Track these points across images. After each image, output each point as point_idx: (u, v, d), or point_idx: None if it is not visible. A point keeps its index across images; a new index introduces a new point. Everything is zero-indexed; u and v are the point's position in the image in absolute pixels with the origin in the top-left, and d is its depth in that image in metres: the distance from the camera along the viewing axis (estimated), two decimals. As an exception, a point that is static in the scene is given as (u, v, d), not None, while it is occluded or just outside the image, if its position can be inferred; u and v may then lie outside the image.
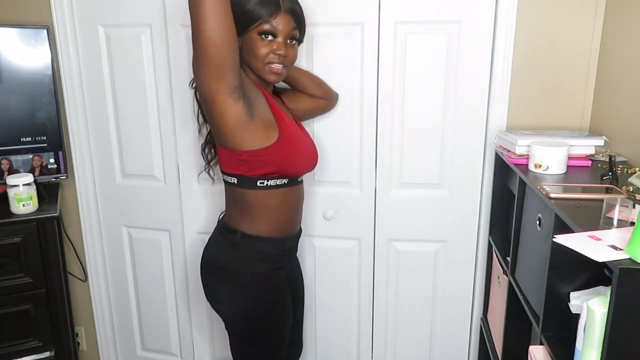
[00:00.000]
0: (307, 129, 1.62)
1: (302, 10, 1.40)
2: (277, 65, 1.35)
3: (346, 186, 1.90)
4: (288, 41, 1.36)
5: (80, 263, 2.19)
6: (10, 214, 1.78)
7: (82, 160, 2.07)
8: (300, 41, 1.42)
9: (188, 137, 1.94)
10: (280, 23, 1.33)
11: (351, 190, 1.91)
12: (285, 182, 1.39)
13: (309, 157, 1.45)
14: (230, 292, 1.44)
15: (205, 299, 2.11)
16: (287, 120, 1.39)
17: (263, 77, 1.37)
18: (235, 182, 1.37)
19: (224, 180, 1.42)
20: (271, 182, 1.36)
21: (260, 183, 1.36)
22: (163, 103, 1.93)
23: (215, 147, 1.50)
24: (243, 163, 1.33)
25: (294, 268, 1.66)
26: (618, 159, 1.45)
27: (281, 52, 1.33)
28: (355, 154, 1.86)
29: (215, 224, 1.98)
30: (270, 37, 1.33)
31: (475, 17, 1.71)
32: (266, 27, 1.31)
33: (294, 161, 1.38)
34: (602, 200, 1.04)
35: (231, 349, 1.54)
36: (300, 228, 1.57)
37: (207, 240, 2.03)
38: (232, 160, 1.35)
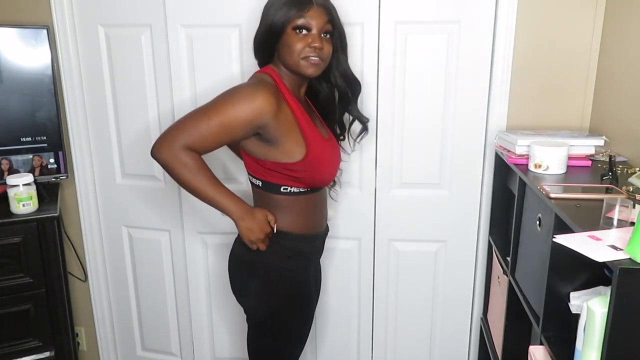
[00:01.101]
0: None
1: (334, 7, 1.42)
2: (313, 57, 1.35)
3: (346, 186, 1.90)
4: (322, 35, 1.37)
5: (80, 263, 2.19)
6: (10, 214, 1.78)
7: (82, 160, 2.07)
8: (333, 36, 1.42)
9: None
10: (313, 17, 1.34)
11: (351, 190, 1.91)
12: (308, 189, 1.42)
13: (332, 172, 1.49)
14: (260, 287, 1.44)
15: (205, 298, 2.12)
16: (315, 136, 1.40)
17: (300, 72, 1.37)
18: (260, 185, 1.41)
19: (250, 180, 1.46)
20: (294, 190, 1.40)
21: (284, 189, 1.39)
22: (163, 103, 1.93)
23: None
24: (268, 171, 1.38)
25: (317, 269, 1.68)
26: (618, 159, 1.45)
27: (316, 44, 1.34)
28: (355, 154, 1.86)
29: (215, 224, 1.99)
30: (304, 32, 1.34)
31: (475, 17, 1.71)
32: (300, 21, 1.33)
33: (318, 176, 1.42)
34: (602, 200, 1.04)
35: (248, 341, 1.54)
36: (328, 226, 1.59)
37: (208, 240, 2.05)
38: (256, 167, 1.39)
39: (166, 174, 1.98)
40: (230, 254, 1.52)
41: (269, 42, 1.38)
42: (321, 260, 1.99)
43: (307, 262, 1.50)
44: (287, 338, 1.50)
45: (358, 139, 1.66)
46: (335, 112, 1.56)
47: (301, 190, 1.40)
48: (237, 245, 1.49)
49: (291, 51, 1.34)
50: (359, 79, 1.77)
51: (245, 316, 1.52)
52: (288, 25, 1.33)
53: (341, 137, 1.62)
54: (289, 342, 1.51)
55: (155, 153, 1.31)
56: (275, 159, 1.35)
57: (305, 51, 1.34)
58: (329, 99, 1.55)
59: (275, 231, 1.40)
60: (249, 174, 1.45)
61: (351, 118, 1.60)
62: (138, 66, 1.92)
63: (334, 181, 1.65)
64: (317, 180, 1.43)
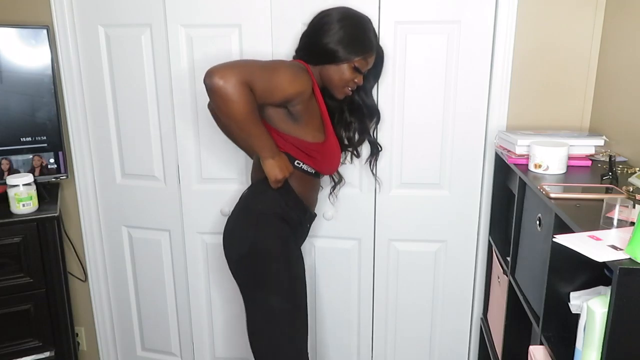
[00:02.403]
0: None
1: (382, 50, 1.66)
2: (349, 90, 1.57)
3: (346, 186, 1.90)
4: None
5: (80, 263, 2.19)
6: (10, 214, 1.78)
7: (82, 160, 2.07)
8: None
9: (188, 137, 1.94)
10: (369, 63, 1.56)
11: (351, 190, 1.91)
12: (314, 172, 1.57)
13: (337, 165, 1.68)
14: (252, 227, 1.51)
15: (206, 298, 2.12)
16: (331, 129, 1.57)
17: (333, 93, 1.57)
18: None
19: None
20: (305, 167, 1.54)
21: (297, 164, 1.53)
22: (163, 103, 1.93)
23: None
24: (288, 144, 1.51)
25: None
26: (618, 159, 1.45)
27: (360, 82, 1.57)
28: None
29: (215, 224, 1.99)
30: (358, 72, 1.53)
31: (475, 17, 1.71)
32: (360, 64, 1.52)
33: (327, 163, 1.60)
34: (602, 200, 1.04)
35: (252, 327, 1.52)
36: (315, 214, 1.70)
37: (208, 240, 2.05)
38: (278, 139, 1.50)
39: (166, 174, 2.00)
40: (225, 228, 1.59)
41: (321, 59, 1.52)
42: (320, 260, 2.00)
43: (296, 228, 1.59)
44: (285, 294, 1.49)
45: (371, 167, 1.83)
46: (342, 123, 1.71)
47: (309, 170, 1.55)
48: (237, 205, 1.60)
49: (339, 80, 1.52)
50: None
51: (244, 312, 1.52)
52: (349, 62, 1.50)
53: (354, 153, 1.80)
54: (288, 299, 1.49)
55: (211, 79, 1.30)
56: (298, 135, 1.50)
57: (349, 84, 1.54)
58: (339, 109, 1.69)
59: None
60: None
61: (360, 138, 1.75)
62: (138, 66, 1.92)
63: (340, 178, 1.83)
64: (326, 166, 1.60)
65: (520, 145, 1.47)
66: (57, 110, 1.91)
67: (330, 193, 1.87)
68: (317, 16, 1.55)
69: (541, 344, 1.21)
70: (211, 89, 1.31)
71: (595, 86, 1.73)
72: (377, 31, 1.74)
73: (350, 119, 1.70)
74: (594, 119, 1.75)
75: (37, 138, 1.90)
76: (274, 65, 1.45)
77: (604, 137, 1.51)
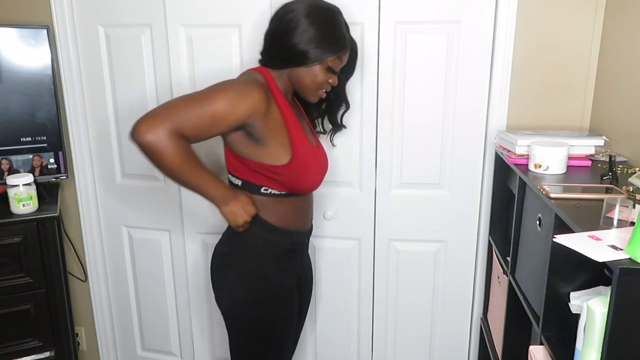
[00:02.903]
0: (307, 129, 1.62)
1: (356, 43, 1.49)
2: (324, 92, 1.42)
3: (346, 186, 1.90)
4: None
5: (80, 263, 2.19)
6: (10, 214, 1.78)
7: (82, 160, 2.07)
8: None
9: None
10: (343, 60, 1.40)
11: (351, 190, 1.91)
12: (288, 193, 1.39)
13: (317, 179, 1.45)
14: (234, 280, 1.40)
15: (205, 298, 2.12)
16: (303, 141, 1.37)
17: (306, 97, 1.43)
18: (239, 185, 1.38)
19: (229, 179, 1.42)
20: (274, 192, 1.37)
21: (264, 190, 1.36)
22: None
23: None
24: (250, 171, 1.35)
25: (304, 269, 1.61)
26: (618, 159, 1.45)
27: (335, 83, 1.41)
28: (355, 154, 1.86)
29: (215, 224, 1.99)
30: (332, 72, 1.39)
31: (475, 17, 1.71)
32: (334, 64, 1.37)
33: (301, 183, 1.39)
34: (602, 200, 1.04)
35: (231, 351, 1.50)
36: (312, 225, 1.56)
37: (208, 240, 2.05)
38: (238, 166, 1.37)
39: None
40: (213, 253, 1.50)
41: (289, 62, 1.35)
42: (320, 260, 2.00)
43: (285, 261, 1.44)
44: (269, 339, 1.45)
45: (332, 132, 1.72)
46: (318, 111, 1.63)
47: (282, 193, 1.37)
48: (219, 242, 1.49)
49: (311, 82, 1.37)
50: (359, 79, 1.79)
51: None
52: (322, 62, 1.34)
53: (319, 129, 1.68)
54: (271, 344, 1.46)
55: (137, 135, 1.18)
56: (260, 159, 1.32)
57: (323, 85, 1.39)
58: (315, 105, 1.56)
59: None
60: (228, 172, 1.41)
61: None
62: (138, 66, 1.92)
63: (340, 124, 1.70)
64: (300, 187, 1.40)
65: (520, 145, 1.47)
66: (57, 110, 1.91)
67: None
68: (279, 12, 1.37)
69: (541, 344, 1.21)
70: (140, 146, 1.19)
71: (595, 86, 1.73)
72: (377, 31, 1.75)
73: (321, 114, 1.64)
74: (594, 119, 1.75)
75: (37, 138, 1.90)
76: (208, 95, 1.25)
77: (604, 137, 1.51)
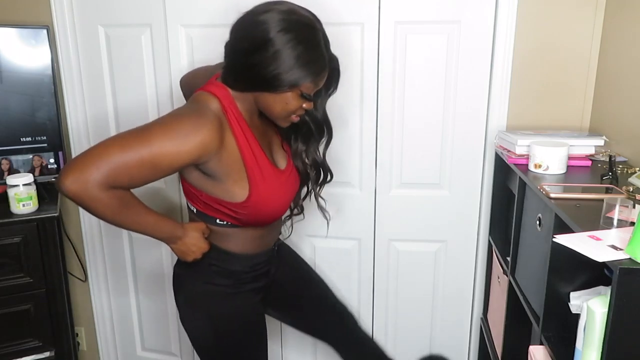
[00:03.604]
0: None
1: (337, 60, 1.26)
2: (296, 117, 1.23)
3: (346, 186, 1.90)
4: None
5: (80, 263, 2.19)
6: (10, 214, 1.78)
7: (82, 160, 2.07)
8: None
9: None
10: (321, 82, 1.20)
11: (351, 190, 1.91)
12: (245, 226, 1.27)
13: (280, 209, 1.29)
14: (186, 306, 1.34)
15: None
16: (264, 172, 1.21)
17: (276, 122, 1.24)
18: (195, 211, 1.28)
19: (186, 202, 1.31)
20: (231, 224, 1.25)
21: (220, 222, 1.25)
22: (163, 103, 1.93)
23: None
24: (204, 203, 1.23)
25: (277, 278, 1.46)
26: (618, 159, 1.45)
27: (310, 108, 1.22)
28: (355, 154, 1.86)
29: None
30: (306, 98, 1.19)
31: (475, 17, 1.71)
32: (310, 89, 1.17)
33: (260, 218, 1.25)
34: (602, 200, 1.04)
35: None
36: (274, 246, 1.42)
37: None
38: (192, 195, 1.25)
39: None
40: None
41: (256, 87, 1.16)
42: (320, 260, 2.00)
43: (246, 283, 1.33)
44: None
45: (316, 192, 1.42)
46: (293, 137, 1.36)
47: (238, 225, 1.25)
48: (176, 261, 1.38)
49: (283, 109, 1.18)
50: (359, 79, 1.79)
51: None
52: (297, 87, 1.14)
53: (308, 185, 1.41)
54: None
55: (66, 187, 1.03)
56: (214, 194, 1.19)
57: (296, 111, 1.20)
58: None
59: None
60: (185, 197, 1.30)
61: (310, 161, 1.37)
62: (138, 66, 1.92)
63: (299, 210, 1.47)
64: (258, 222, 1.26)
65: (520, 145, 1.47)
66: (57, 110, 1.91)
67: (285, 221, 1.48)
68: (246, 21, 1.15)
69: (541, 344, 1.21)
70: (67, 197, 1.04)
71: (595, 86, 1.73)
72: (377, 31, 1.74)
73: (295, 142, 1.34)
74: (594, 119, 1.75)
75: (37, 138, 1.90)
76: (147, 136, 1.07)
77: (604, 137, 1.51)
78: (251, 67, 1.13)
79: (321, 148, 1.38)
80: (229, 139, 1.15)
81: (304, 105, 1.20)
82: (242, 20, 1.17)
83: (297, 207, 1.47)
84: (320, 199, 1.43)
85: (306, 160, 1.35)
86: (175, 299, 1.38)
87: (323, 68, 1.17)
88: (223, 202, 1.20)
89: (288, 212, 1.46)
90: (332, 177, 1.44)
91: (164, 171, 1.11)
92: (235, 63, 1.17)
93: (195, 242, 1.25)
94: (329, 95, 1.31)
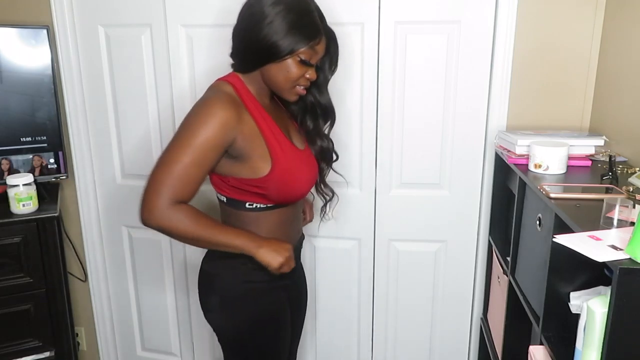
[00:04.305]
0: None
1: (333, 33, 1.32)
2: (302, 88, 1.28)
3: (346, 186, 1.90)
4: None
5: (80, 263, 2.19)
6: (10, 214, 1.78)
7: (82, 160, 2.07)
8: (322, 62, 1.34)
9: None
10: (319, 50, 1.26)
11: (351, 190, 1.91)
12: (276, 205, 1.31)
13: (304, 186, 1.35)
14: (221, 304, 1.35)
15: (205, 299, 2.12)
16: (284, 148, 1.28)
17: (284, 97, 1.30)
18: (225, 201, 1.32)
19: (216, 195, 1.36)
20: (260, 206, 1.29)
21: (249, 205, 1.29)
22: (163, 103, 1.93)
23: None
24: (231, 188, 1.28)
25: (296, 280, 1.52)
26: (618, 159, 1.45)
27: (313, 78, 1.28)
28: (355, 154, 1.86)
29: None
30: (306, 64, 1.25)
31: (475, 17, 1.71)
32: (308, 54, 1.23)
33: (286, 193, 1.29)
34: (602, 200, 1.04)
35: None
36: (302, 235, 1.50)
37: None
38: (220, 183, 1.30)
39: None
40: (199, 270, 1.44)
41: (259, 60, 1.24)
42: (320, 260, 2.00)
43: (276, 279, 1.34)
44: (262, 357, 1.40)
45: (327, 171, 1.49)
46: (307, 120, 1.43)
47: (268, 205, 1.29)
48: (204, 260, 1.42)
49: (286, 78, 1.24)
50: (359, 79, 1.79)
51: None
52: (294, 54, 1.21)
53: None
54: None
55: (146, 222, 1.20)
56: (239, 175, 1.25)
57: (299, 81, 1.26)
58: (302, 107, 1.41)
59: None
60: (215, 188, 1.35)
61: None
62: (138, 66, 1.92)
63: (332, 193, 1.53)
64: (285, 197, 1.30)
65: (520, 145, 1.47)
66: (57, 110, 1.91)
67: (322, 214, 1.57)
68: (244, 6, 1.27)
69: (541, 344, 1.21)
70: (157, 230, 1.21)
71: (595, 86, 1.73)
72: (377, 31, 1.75)
73: (306, 124, 1.42)
74: (594, 119, 1.75)
75: (37, 138, 1.90)
76: (179, 147, 1.17)
77: (604, 137, 1.51)
78: (251, 43, 1.23)
79: (326, 130, 1.47)
80: (246, 116, 1.23)
81: (307, 75, 1.26)
82: (242, 8, 1.28)
83: (326, 188, 1.52)
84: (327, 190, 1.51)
85: (318, 141, 1.42)
86: (206, 300, 1.38)
87: (317, 32, 1.23)
88: (250, 181, 1.25)
89: (323, 201, 1.54)
90: (337, 157, 1.52)
91: (208, 163, 1.20)
92: (238, 44, 1.28)
93: (277, 242, 1.27)
94: (332, 72, 1.37)
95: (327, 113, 1.43)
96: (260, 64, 1.24)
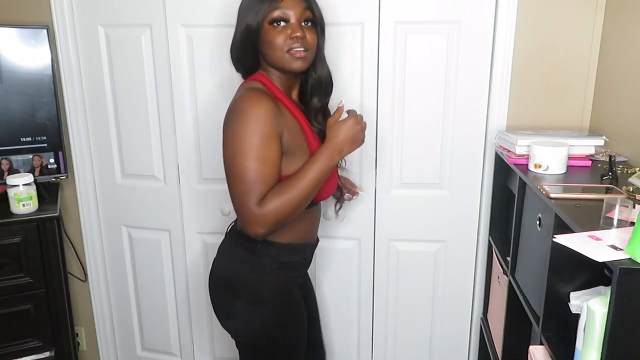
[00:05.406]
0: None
1: None
2: (297, 49, 1.24)
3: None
4: (303, 23, 1.26)
5: (80, 263, 2.19)
6: (10, 214, 1.78)
7: (82, 160, 2.07)
8: (316, 24, 1.31)
9: (188, 137, 1.94)
10: (289, 6, 1.24)
11: (351, 190, 1.91)
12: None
13: (332, 186, 1.36)
14: (248, 307, 1.33)
15: (205, 298, 2.12)
16: (317, 140, 1.31)
17: (287, 67, 1.27)
18: None
19: None
20: None
21: None
22: (163, 103, 1.93)
23: None
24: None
25: (306, 283, 1.57)
26: (618, 159, 1.45)
27: (297, 34, 1.23)
28: (355, 154, 1.85)
29: (215, 224, 1.99)
30: (282, 24, 1.24)
31: (475, 17, 1.71)
32: (275, 13, 1.23)
33: (321, 189, 1.28)
34: (602, 200, 1.04)
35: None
36: (318, 237, 1.52)
37: (208, 240, 2.04)
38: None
39: (166, 174, 2.00)
40: (211, 274, 1.43)
41: (248, 46, 1.29)
42: (321, 260, 2.00)
43: (296, 273, 1.41)
44: (282, 358, 1.41)
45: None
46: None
47: None
48: (218, 263, 1.41)
49: (273, 47, 1.24)
50: (359, 79, 1.79)
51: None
52: (264, 20, 1.24)
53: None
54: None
55: (260, 235, 1.19)
56: (288, 171, 1.24)
57: (287, 43, 1.24)
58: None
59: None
60: None
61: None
62: (138, 66, 1.92)
63: (340, 191, 1.59)
64: (320, 193, 1.29)
65: (520, 145, 1.47)
66: (57, 110, 1.91)
67: (337, 209, 1.65)
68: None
69: (541, 344, 1.21)
70: (274, 230, 1.21)
71: (595, 86, 1.73)
72: (377, 31, 1.74)
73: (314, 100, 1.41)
74: (594, 119, 1.75)
75: (37, 138, 1.90)
76: (238, 148, 1.17)
77: (604, 137, 1.51)
78: (235, 40, 1.32)
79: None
80: (284, 110, 1.26)
81: (290, 33, 1.24)
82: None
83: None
84: None
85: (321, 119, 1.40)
86: (228, 306, 1.37)
87: None
88: (283, 178, 1.24)
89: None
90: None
91: (274, 156, 1.19)
92: (238, 50, 1.33)
93: (345, 131, 1.26)
94: (322, 33, 1.35)
95: (328, 83, 1.42)
96: (251, 50, 1.29)
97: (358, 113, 1.32)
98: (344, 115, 1.31)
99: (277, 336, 1.37)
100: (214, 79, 1.85)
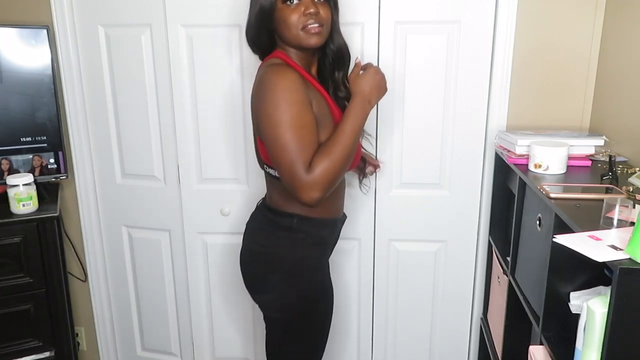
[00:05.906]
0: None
1: None
2: (312, 25, 1.25)
3: (346, 186, 1.89)
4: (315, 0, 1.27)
5: (80, 263, 2.19)
6: (10, 214, 1.78)
7: (82, 160, 2.07)
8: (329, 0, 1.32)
9: (188, 137, 1.94)
10: None
11: (351, 190, 1.91)
12: None
13: (358, 153, 1.38)
14: (283, 282, 1.36)
15: (205, 298, 2.12)
16: (339, 112, 1.33)
17: (303, 44, 1.28)
18: (277, 174, 1.29)
19: (265, 169, 1.36)
20: None
21: None
22: (163, 103, 1.93)
23: None
24: None
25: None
26: (618, 159, 1.45)
27: (311, 10, 1.23)
28: (355, 154, 1.86)
29: (215, 224, 1.99)
30: (295, 1, 1.24)
31: (475, 17, 1.71)
32: None
33: None
34: (602, 200, 1.04)
35: (268, 345, 1.47)
36: (345, 214, 1.53)
37: (208, 240, 2.04)
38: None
39: (166, 174, 2.00)
40: (243, 250, 1.45)
41: (263, 27, 1.30)
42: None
43: (327, 250, 1.44)
44: (312, 336, 1.44)
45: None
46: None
47: None
48: (251, 239, 1.43)
49: (287, 25, 1.25)
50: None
51: (255, 317, 1.49)
52: (276, 1, 1.25)
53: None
54: (314, 340, 1.45)
55: (315, 203, 1.20)
56: (320, 140, 1.25)
57: (301, 21, 1.24)
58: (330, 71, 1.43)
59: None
60: (264, 163, 1.35)
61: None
62: (138, 66, 1.92)
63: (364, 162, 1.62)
64: None
65: (520, 145, 1.47)
66: (57, 110, 1.91)
67: (361, 179, 1.70)
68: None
69: (541, 344, 1.21)
70: (327, 194, 1.22)
71: (595, 86, 1.73)
72: (377, 31, 1.74)
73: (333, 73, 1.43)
74: (594, 119, 1.75)
75: (37, 138, 1.90)
76: (278, 118, 1.19)
77: (604, 137, 1.51)
78: (250, 24, 1.33)
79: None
80: (307, 82, 1.28)
81: (304, 10, 1.24)
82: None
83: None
84: None
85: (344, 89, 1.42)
86: (263, 280, 1.39)
87: None
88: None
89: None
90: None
91: (313, 121, 1.22)
92: (253, 32, 1.34)
93: (370, 81, 1.30)
94: (336, 6, 1.36)
95: (348, 54, 1.44)
96: (266, 31, 1.30)
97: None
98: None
99: (310, 311, 1.40)
100: (213, 79, 1.85)
